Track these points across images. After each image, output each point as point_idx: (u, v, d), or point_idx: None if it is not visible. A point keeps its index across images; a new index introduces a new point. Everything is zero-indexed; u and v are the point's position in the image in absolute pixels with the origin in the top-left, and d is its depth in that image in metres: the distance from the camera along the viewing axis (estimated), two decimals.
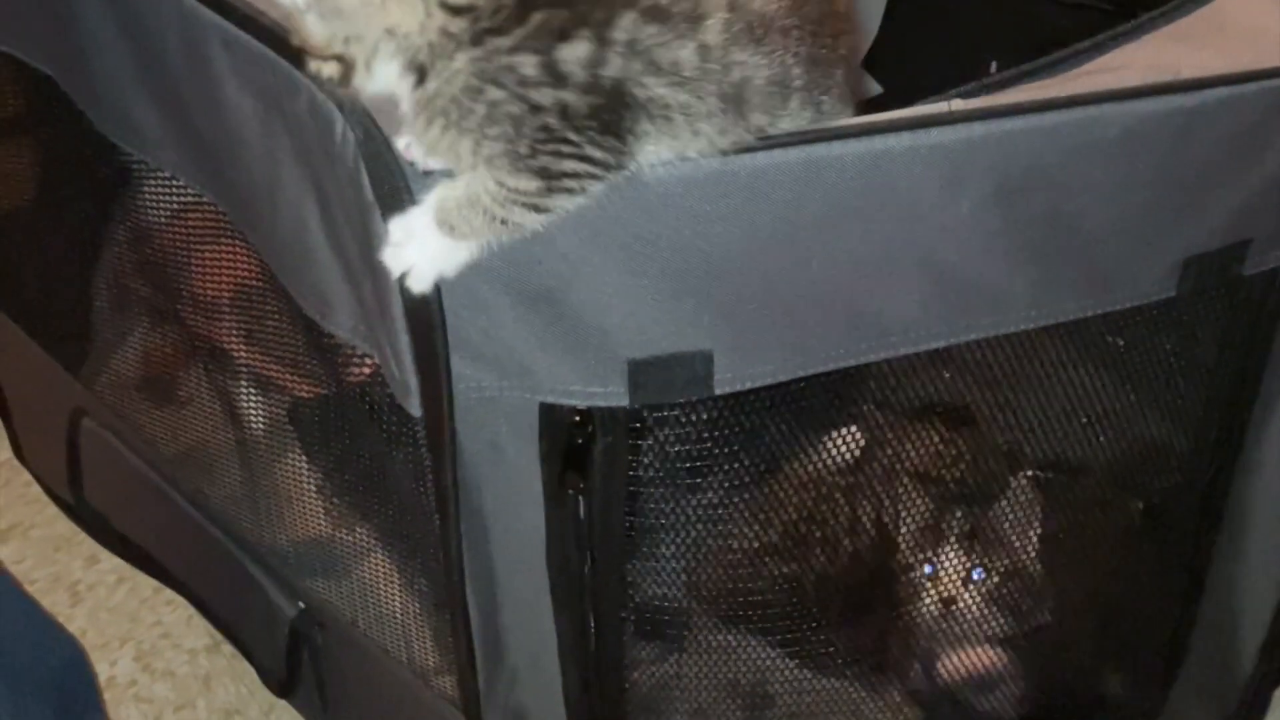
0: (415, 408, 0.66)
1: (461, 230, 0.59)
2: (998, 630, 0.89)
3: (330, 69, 0.59)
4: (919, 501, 0.86)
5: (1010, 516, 0.87)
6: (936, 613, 0.87)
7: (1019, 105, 0.66)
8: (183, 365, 1.03)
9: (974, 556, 0.87)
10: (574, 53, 0.57)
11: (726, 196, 0.62)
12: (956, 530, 0.87)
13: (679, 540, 0.77)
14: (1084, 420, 0.84)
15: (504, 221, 0.59)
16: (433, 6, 0.57)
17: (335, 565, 0.92)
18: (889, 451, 0.84)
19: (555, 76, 0.57)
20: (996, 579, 0.88)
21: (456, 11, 0.57)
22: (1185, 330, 0.81)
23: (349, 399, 0.83)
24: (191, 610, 1.21)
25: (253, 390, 0.94)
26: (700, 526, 0.77)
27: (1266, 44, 0.74)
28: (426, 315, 0.62)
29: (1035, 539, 0.88)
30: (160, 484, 1.06)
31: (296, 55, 0.61)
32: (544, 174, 0.59)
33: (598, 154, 0.59)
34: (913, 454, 0.86)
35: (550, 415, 0.67)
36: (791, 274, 0.66)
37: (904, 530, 0.86)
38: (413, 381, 0.65)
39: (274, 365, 0.91)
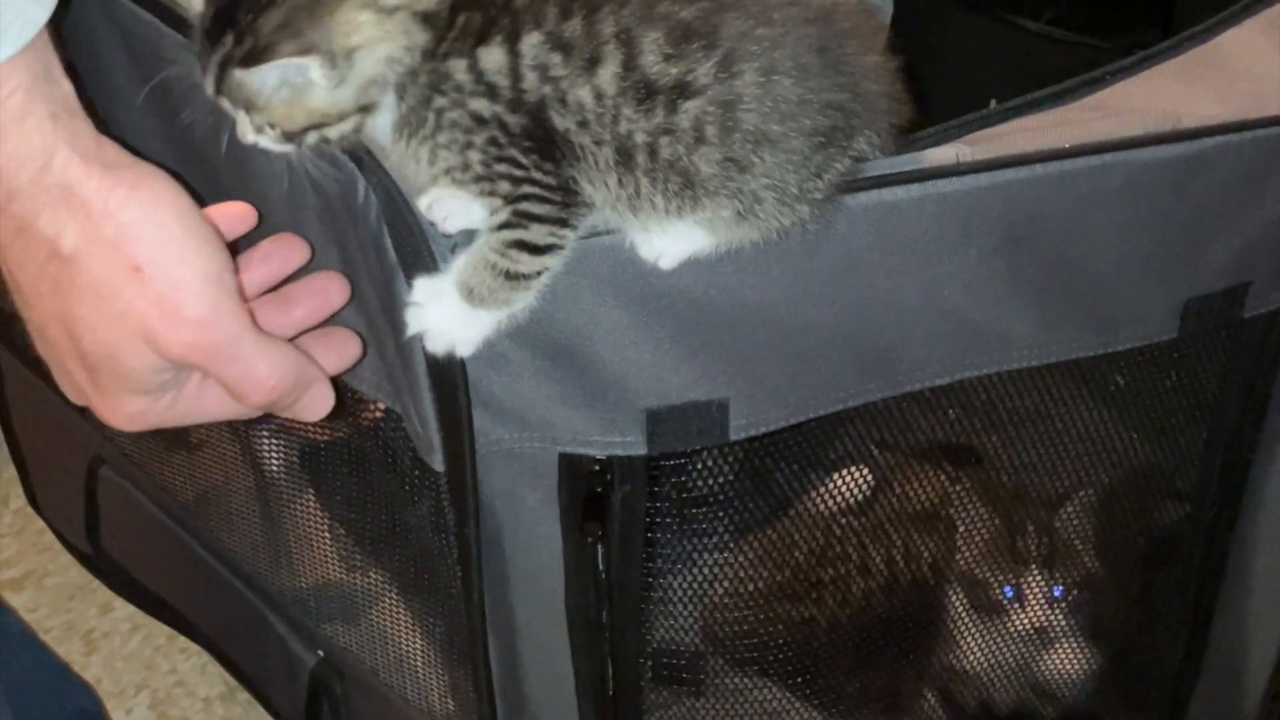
0: (438, 463, 0.67)
1: (479, 292, 0.60)
2: (1081, 629, 0.89)
3: (346, 125, 0.60)
4: (992, 522, 0.86)
5: (1074, 525, 0.88)
6: (1027, 630, 0.87)
7: (1026, 156, 0.67)
8: None
9: (1054, 574, 0.88)
10: (492, 59, 0.58)
11: (740, 248, 0.64)
12: (1034, 550, 0.88)
13: (697, 585, 0.77)
14: (1090, 457, 0.85)
15: (507, 274, 0.60)
16: (409, 23, 0.59)
17: (354, 612, 0.92)
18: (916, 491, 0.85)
19: (485, 86, 0.59)
20: (1074, 590, 0.88)
21: (424, 22, 0.59)
22: (1188, 370, 0.82)
23: (365, 443, 0.83)
24: (206, 658, 1.21)
25: (268, 432, 0.95)
26: (718, 570, 0.78)
27: (1264, 85, 0.75)
28: (450, 374, 0.63)
29: (1093, 547, 0.89)
30: (178, 531, 1.07)
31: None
32: (508, 199, 0.60)
33: (544, 178, 0.59)
34: (919, 493, 0.86)
35: (570, 465, 0.68)
36: (804, 322, 0.67)
37: (976, 554, 0.86)
38: (436, 439, 0.66)
39: None
